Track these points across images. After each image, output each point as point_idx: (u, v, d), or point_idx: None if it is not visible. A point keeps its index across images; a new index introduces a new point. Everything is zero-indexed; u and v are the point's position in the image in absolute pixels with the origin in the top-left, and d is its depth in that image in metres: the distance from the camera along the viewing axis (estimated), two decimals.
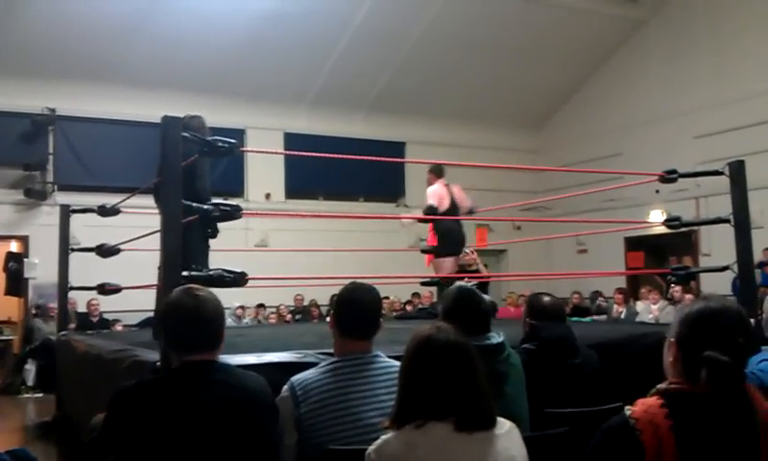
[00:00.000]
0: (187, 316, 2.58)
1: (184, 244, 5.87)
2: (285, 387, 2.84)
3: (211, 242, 6.17)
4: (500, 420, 2.26)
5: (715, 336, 2.10)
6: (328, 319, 3.13)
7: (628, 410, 2.09)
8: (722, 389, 2.03)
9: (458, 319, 3.15)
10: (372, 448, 2.22)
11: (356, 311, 2.94)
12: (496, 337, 3.16)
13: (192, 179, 5.82)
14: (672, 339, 2.19)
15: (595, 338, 4.71)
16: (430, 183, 8.05)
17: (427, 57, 14.27)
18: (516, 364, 3.21)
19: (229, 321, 11.84)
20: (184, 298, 2.63)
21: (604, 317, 12.92)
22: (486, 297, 6.97)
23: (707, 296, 2.29)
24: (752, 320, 5.57)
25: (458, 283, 3.59)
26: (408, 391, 2.27)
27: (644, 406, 2.10)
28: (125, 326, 11.92)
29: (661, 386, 2.16)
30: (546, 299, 3.85)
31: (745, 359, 2.15)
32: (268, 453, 2.58)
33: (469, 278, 7.82)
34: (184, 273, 4.13)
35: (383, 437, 2.22)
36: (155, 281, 5.37)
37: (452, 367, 2.24)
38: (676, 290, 11.54)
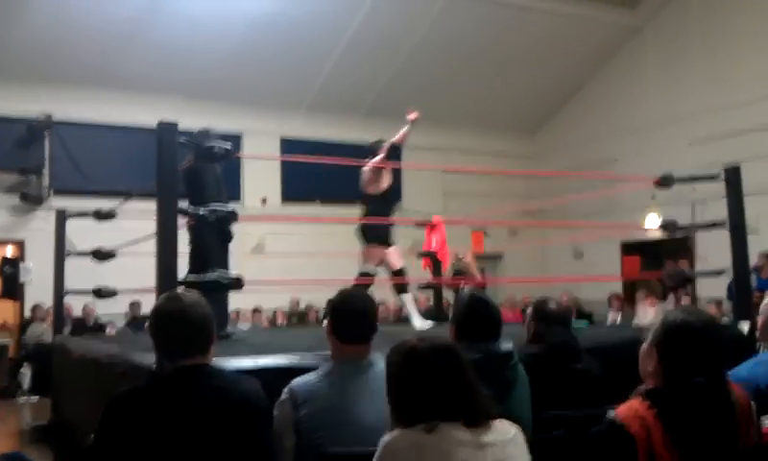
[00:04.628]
0: (172, 321, 2.58)
1: (202, 247, 5.95)
2: (285, 391, 2.84)
3: None
4: (506, 424, 2.26)
5: (697, 353, 2.26)
6: (324, 324, 3.11)
7: (611, 413, 2.22)
8: (703, 407, 2.19)
9: (469, 325, 3.17)
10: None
11: (355, 317, 2.95)
12: (506, 344, 3.17)
13: (200, 186, 5.87)
14: (655, 349, 2.33)
15: (592, 342, 4.72)
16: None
17: (423, 63, 14.29)
18: (521, 371, 3.22)
19: None
20: (168, 303, 2.63)
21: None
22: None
23: (687, 308, 2.43)
24: (747, 323, 5.58)
25: (470, 290, 3.60)
26: (403, 400, 2.26)
27: (625, 406, 2.24)
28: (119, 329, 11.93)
29: (640, 388, 2.30)
30: (552, 305, 3.89)
31: (722, 368, 2.32)
32: (262, 458, 2.57)
33: (465, 282, 7.84)
34: (180, 277, 4.14)
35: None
36: (151, 285, 5.38)
37: (444, 370, 2.24)
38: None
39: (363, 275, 6.62)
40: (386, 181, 6.87)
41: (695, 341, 2.27)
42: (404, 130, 6.72)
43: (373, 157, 6.88)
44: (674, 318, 2.35)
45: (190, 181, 5.95)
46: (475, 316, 3.22)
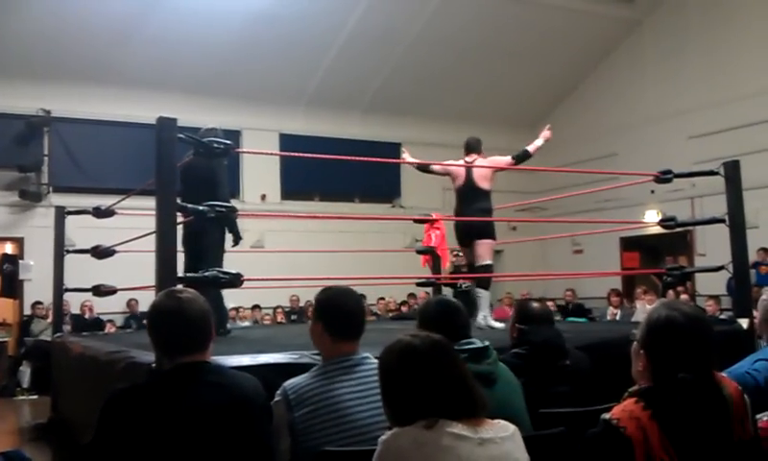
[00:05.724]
0: (171, 318, 2.58)
1: (200, 247, 5.94)
2: (278, 392, 2.83)
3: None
4: (504, 423, 2.25)
5: (683, 349, 2.25)
6: (310, 323, 3.09)
7: (606, 415, 2.20)
8: (695, 405, 2.18)
9: (437, 331, 3.14)
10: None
11: (350, 314, 2.96)
12: (479, 343, 3.16)
13: (214, 186, 5.86)
14: (642, 350, 2.33)
15: (590, 339, 4.72)
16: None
17: (422, 58, 14.28)
18: (503, 367, 3.21)
19: None
20: (166, 300, 2.63)
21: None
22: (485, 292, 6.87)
23: (670, 303, 2.40)
24: (746, 319, 5.58)
25: (432, 297, 3.58)
26: (401, 397, 2.25)
27: (620, 407, 2.22)
28: (118, 327, 11.94)
29: (632, 389, 2.29)
30: (534, 304, 3.91)
31: (710, 363, 2.29)
32: (261, 455, 2.57)
33: (464, 278, 7.83)
34: (180, 275, 4.13)
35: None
36: (150, 283, 5.37)
37: (441, 366, 2.24)
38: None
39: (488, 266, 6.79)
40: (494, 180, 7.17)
41: (680, 337, 2.25)
42: (538, 144, 7.26)
43: (468, 154, 7.21)
44: (657, 316, 2.32)
45: (202, 178, 5.93)
46: (441, 322, 3.16)
